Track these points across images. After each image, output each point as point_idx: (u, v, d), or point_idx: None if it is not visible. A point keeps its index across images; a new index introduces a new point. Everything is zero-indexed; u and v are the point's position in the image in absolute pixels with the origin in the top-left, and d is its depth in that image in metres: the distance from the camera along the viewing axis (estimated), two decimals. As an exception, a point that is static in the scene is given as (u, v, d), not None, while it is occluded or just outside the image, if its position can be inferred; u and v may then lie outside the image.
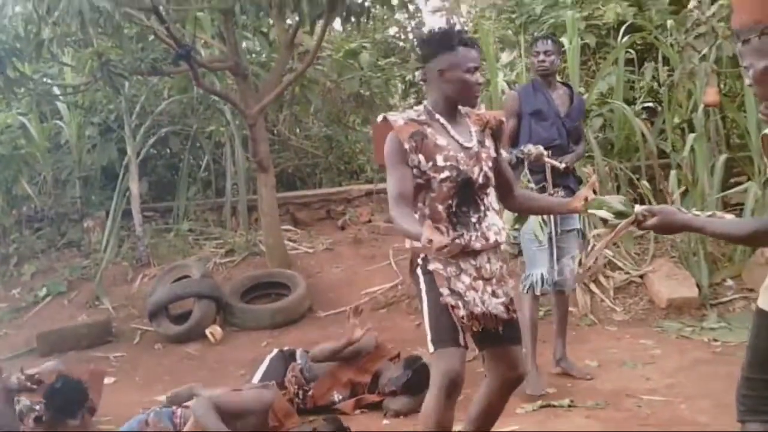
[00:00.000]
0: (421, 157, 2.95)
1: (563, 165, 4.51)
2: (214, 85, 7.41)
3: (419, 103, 9.49)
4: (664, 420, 3.98)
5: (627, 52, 7.19)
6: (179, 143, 8.45)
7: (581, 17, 7.45)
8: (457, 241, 2.89)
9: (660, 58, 7.32)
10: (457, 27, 3.16)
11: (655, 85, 7.57)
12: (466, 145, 3.02)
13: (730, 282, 6.14)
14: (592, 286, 6.19)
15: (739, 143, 7.61)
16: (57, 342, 6.32)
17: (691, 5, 6.77)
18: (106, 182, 8.19)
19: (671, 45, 6.89)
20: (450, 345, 2.91)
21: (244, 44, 8.01)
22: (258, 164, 6.86)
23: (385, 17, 9.96)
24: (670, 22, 6.95)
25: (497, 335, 3.02)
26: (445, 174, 2.95)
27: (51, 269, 7.60)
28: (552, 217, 4.49)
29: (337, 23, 7.62)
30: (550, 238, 4.56)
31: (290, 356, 4.75)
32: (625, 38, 6.99)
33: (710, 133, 6.73)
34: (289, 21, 7.26)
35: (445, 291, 2.94)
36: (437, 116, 3.03)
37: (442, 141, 2.99)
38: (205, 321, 6.34)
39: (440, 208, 2.96)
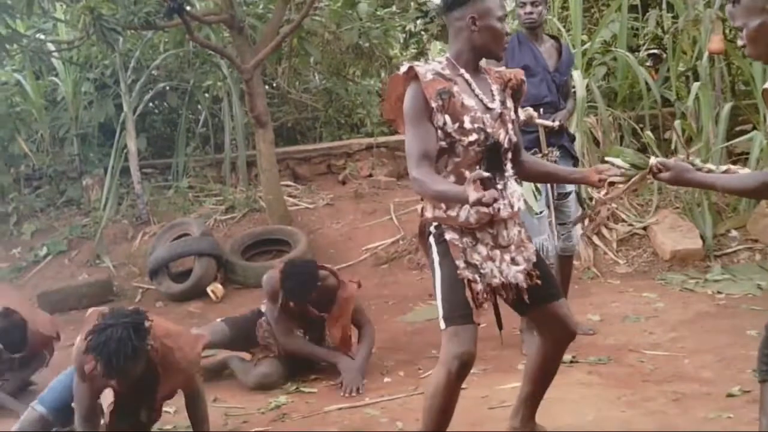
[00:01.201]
0: (447, 117, 2.74)
1: (557, 124, 4.32)
2: (209, 39, 7.27)
3: (421, 54, 9.51)
4: (667, 375, 3.94)
5: (630, -2, 7.03)
6: (176, 98, 8.32)
7: (584, -37, 7.27)
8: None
9: (664, 5, 7.16)
10: None
11: (660, 32, 7.42)
12: (490, 105, 2.82)
13: (734, 233, 6.09)
14: (595, 239, 6.15)
15: (744, 90, 7.48)
16: (58, 301, 6.31)
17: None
18: (104, 139, 8.10)
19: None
20: (463, 322, 2.71)
21: (239, -4, 7.84)
22: (256, 119, 6.76)
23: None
24: (678, -34, 6.78)
25: (536, 295, 2.87)
26: (473, 137, 2.75)
27: (51, 228, 7.56)
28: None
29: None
30: (548, 205, 4.43)
31: (258, 314, 4.62)
32: (628, -15, 6.83)
33: (715, 82, 6.60)
34: (284, -28, 7.09)
35: (461, 264, 2.76)
36: (461, 71, 2.82)
37: (469, 101, 2.78)
38: (206, 279, 6.31)
39: (467, 174, 2.68)
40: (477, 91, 2.81)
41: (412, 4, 8.86)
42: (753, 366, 3.86)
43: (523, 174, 3.07)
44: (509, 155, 2.88)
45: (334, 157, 8.02)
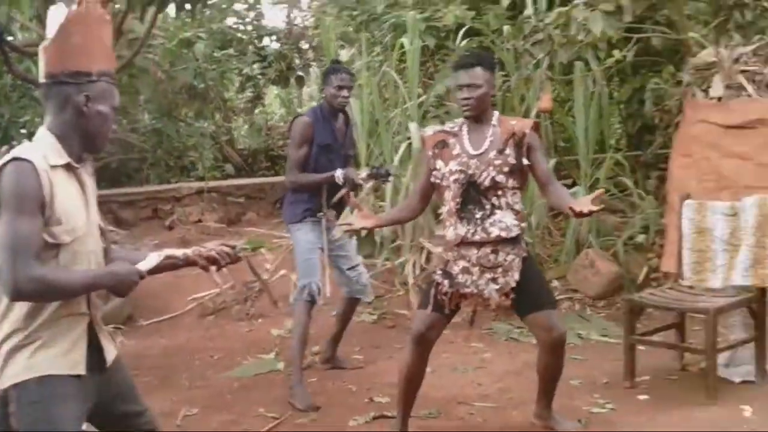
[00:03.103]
0: (440, 162, 3.63)
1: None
2: (29, 72, 6.79)
3: (258, 98, 9.33)
4: (496, 427, 3.95)
5: (464, 55, 7.22)
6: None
7: (422, 19, 7.42)
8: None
9: (495, 63, 7.42)
10: None
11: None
12: (474, 152, 3.58)
13: (555, 283, 6.27)
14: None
15: (564, 147, 7.86)
16: None
17: (527, 12, 6.90)
18: None
19: (507, 50, 6.97)
20: (423, 308, 3.65)
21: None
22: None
23: (223, 6, 9.59)
24: (506, 28, 7.04)
25: (526, 306, 3.60)
26: (455, 176, 3.56)
27: None
28: (326, 227, 4.62)
29: (171, 10, 7.22)
30: (321, 248, 4.61)
31: None
32: (464, 42, 7.01)
33: (541, 138, 6.85)
34: (117, 5, 6.78)
35: (438, 270, 3.67)
36: (463, 127, 3.68)
37: (457, 150, 3.61)
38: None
39: (452, 204, 3.59)
40: (465, 141, 3.63)
41: (250, 47, 8.73)
42: (577, 416, 3.97)
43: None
44: (498, 192, 3.55)
45: (162, 201, 7.65)
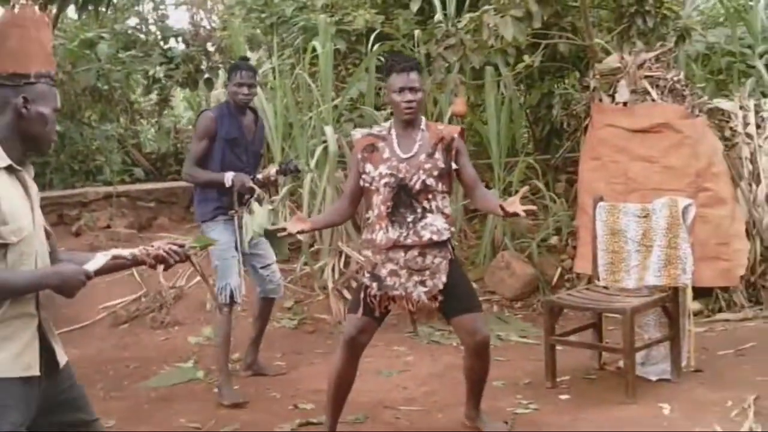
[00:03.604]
0: (369, 166, 3.64)
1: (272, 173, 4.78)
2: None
3: (164, 100, 9.11)
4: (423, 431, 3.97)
5: (377, 59, 7.25)
6: None
7: (332, 22, 7.41)
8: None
9: (407, 67, 7.46)
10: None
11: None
12: (404, 156, 3.61)
13: (473, 285, 6.35)
14: (346, 293, 6.14)
15: (476, 151, 7.98)
16: None
17: (437, 17, 6.98)
18: None
19: (419, 54, 7.03)
20: (353, 313, 3.68)
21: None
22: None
23: (126, 7, 9.31)
24: (417, 33, 7.10)
25: (452, 308, 3.64)
26: (385, 180, 3.58)
27: None
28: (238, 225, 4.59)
29: (71, 10, 6.95)
30: (236, 248, 4.60)
31: None
32: (376, 46, 7.03)
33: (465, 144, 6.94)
34: (12, 3, 6.49)
35: (366, 273, 3.68)
36: (392, 131, 3.69)
37: (387, 153, 3.63)
38: None
39: (382, 208, 3.59)
40: (395, 145, 3.64)
41: (156, 48, 8.50)
42: (502, 417, 4.04)
43: (475, 205, 4.11)
44: (429, 195, 3.59)
45: (67, 207, 7.33)
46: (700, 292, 5.32)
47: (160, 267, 2.53)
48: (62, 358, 2.39)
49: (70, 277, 2.25)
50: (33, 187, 2.37)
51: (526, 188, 3.59)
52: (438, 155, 3.62)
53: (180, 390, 4.78)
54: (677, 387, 4.34)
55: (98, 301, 6.03)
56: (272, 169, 4.77)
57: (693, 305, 4.70)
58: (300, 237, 4.60)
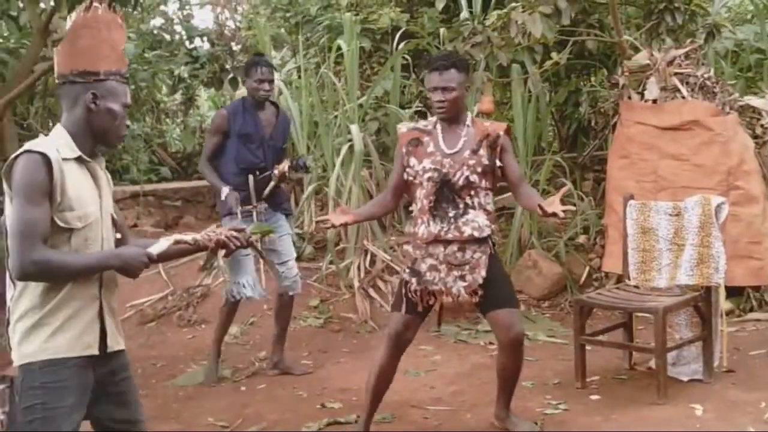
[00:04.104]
0: (413, 159, 3.66)
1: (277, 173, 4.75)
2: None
3: (190, 100, 9.15)
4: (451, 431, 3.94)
5: (402, 57, 7.23)
6: None
7: (357, 21, 7.39)
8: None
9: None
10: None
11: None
12: (448, 151, 3.62)
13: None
14: (371, 291, 6.12)
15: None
16: None
17: (463, 15, 6.94)
18: None
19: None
20: (396, 310, 3.69)
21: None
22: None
23: (152, 7, 9.36)
24: (442, 31, 7.06)
25: (488, 303, 3.62)
26: (428, 175, 3.60)
27: None
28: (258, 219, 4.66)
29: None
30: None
31: None
32: (402, 44, 7.00)
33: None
34: (42, 4, 6.53)
35: (406, 269, 3.69)
36: (437, 126, 3.71)
37: (432, 148, 3.65)
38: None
39: (425, 202, 3.62)
40: (440, 140, 3.66)
41: (181, 48, 8.53)
42: (531, 418, 4.00)
43: (519, 202, 3.99)
44: (471, 191, 3.59)
45: (95, 206, 7.40)
46: (731, 291, 5.23)
47: (221, 252, 2.64)
48: (116, 344, 2.49)
49: (132, 259, 2.38)
50: (103, 178, 2.53)
51: (566, 188, 3.60)
52: (482, 152, 3.63)
53: (207, 388, 4.78)
54: (709, 387, 4.27)
55: (125, 299, 6.04)
56: (286, 165, 4.78)
57: (725, 305, 4.62)
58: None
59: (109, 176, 2.63)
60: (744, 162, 5.60)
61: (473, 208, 3.61)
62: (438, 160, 3.62)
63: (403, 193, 3.87)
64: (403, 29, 7.29)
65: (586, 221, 6.60)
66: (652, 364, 4.41)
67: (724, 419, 3.80)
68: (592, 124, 7.23)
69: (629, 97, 6.06)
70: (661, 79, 5.92)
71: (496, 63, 6.20)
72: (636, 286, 4.59)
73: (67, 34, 2.45)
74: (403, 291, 3.67)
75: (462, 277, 3.61)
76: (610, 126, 6.57)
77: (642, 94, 6.00)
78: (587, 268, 6.27)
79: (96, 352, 2.41)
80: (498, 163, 3.64)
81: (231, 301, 4.82)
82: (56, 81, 2.47)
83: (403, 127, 3.85)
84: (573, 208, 3.52)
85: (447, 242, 3.61)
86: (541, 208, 3.32)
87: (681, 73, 5.93)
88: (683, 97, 5.80)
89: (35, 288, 2.35)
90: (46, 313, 2.34)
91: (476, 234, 3.59)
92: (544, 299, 6.17)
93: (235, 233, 2.65)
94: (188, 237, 2.60)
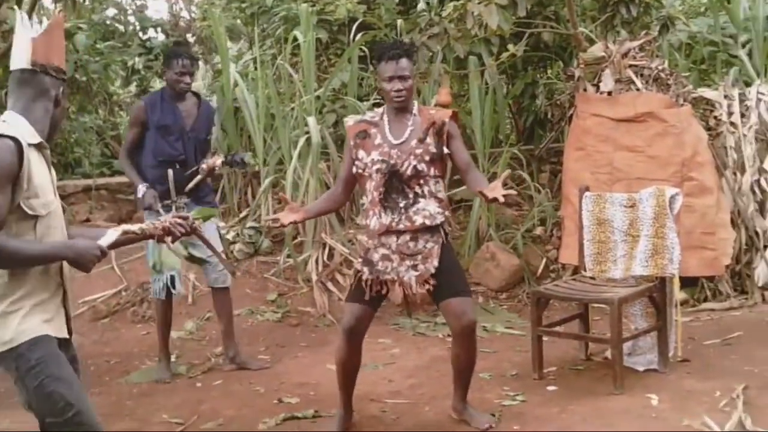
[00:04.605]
0: (362, 152, 3.65)
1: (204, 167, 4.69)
2: None
3: (144, 92, 9.03)
4: (409, 425, 3.92)
5: (359, 49, 7.18)
6: None
7: (313, 12, 7.32)
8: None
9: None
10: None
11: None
12: (395, 142, 3.62)
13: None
14: (330, 285, 6.08)
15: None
16: None
17: (420, 6, 6.92)
18: None
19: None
20: (351, 301, 3.70)
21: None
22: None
23: (103, -4, 9.16)
24: (400, 22, 7.03)
25: (441, 292, 3.61)
26: (377, 167, 3.59)
27: None
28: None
29: (47, 1, 6.84)
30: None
31: None
32: (359, 36, 6.95)
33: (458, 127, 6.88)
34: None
35: (359, 258, 3.72)
36: (384, 116, 3.71)
37: (379, 140, 3.64)
38: None
39: (375, 194, 3.61)
40: (386, 131, 3.65)
41: (135, 39, 8.37)
42: (489, 409, 4.00)
43: (468, 188, 3.90)
44: (420, 180, 3.59)
45: (46, 200, 7.23)
46: (685, 282, 5.30)
47: (168, 238, 2.72)
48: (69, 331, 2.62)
49: (85, 251, 2.45)
50: (52, 168, 2.60)
51: (507, 172, 3.59)
52: (429, 140, 3.61)
53: (162, 385, 4.70)
54: (665, 377, 4.31)
55: (78, 295, 5.90)
56: (218, 160, 4.73)
57: (679, 295, 4.67)
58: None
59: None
60: (698, 153, 5.67)
61: (423, 197, 3.62)
62: (385, 151, 3.62)
63: (354, 186, 3.88)
64: (360, 20, 7.24)
65: (543, 213, 6.64)
66: (608, 354, 4.44)
67: (679, 409, 3.84)
68: (549, 116, 7.25)
69: (585, 89, 6.10)
70: (616, 71, 5.97)
71: (453, 55, 6.19)
72: (592, 278, 4.62)
73: (47, 29, 2.53)
74: (360, 281, 3.66)
75: (414, 267, 3.62)
76: (567, 118, 6.60)
77: (597, 86, 6.04)
78: (544, 260, 6.30)
79: (66, 334, 2.54)
80: (446, 150, 3.64)
81: (158, 299, 4.79)
82: (24, 67, 2.50)
83: (350, 120, 3.85)
84: (514, 192, 3.56)
85: (399, 232, 3.62)
86: (482, 193, 3.35)
87: (636, 65, 5.98)
88: (638, 89, 5.85)
89: (2, 276, 2.41)
90: (14, 300, 2.42)
91: (428, 222, 3.60)
92: (502, 291, 6.18)
93: (179, 220, 2.72)
94: (135, 227, 2.67)
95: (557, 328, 4.71)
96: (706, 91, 6.28)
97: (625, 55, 6.01)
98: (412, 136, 3.63)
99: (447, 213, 3.75)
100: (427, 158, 3.60)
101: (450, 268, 3.66)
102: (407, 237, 3.62)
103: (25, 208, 2.40)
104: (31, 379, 2.42)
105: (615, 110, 5.85)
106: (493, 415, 3.92)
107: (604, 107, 5.91)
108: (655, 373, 4.37)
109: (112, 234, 2.57)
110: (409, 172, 3.59)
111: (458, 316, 3.61)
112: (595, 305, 4.82)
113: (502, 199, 3.28)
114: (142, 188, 4.61)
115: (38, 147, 2.49)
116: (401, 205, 3.61)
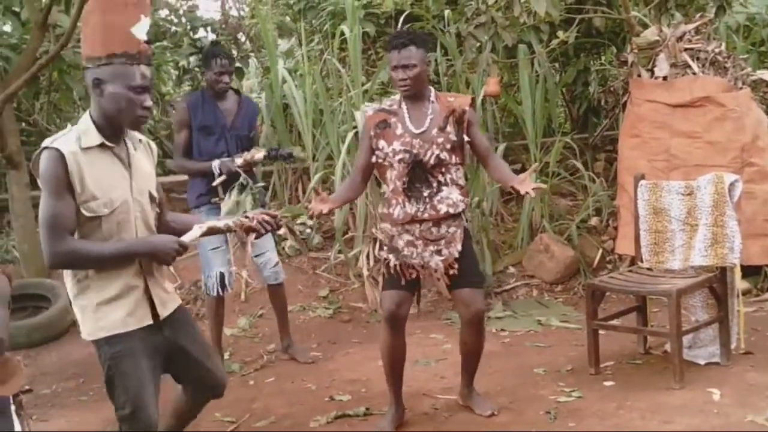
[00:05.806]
0: (383, 142, 3.65)
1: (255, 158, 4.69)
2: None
3: (195, 89, 9.11)
4: (462, 422, 3.85)
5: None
6: None
7: (360, 5, 7.28)
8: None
9: (438, 48, 7.31)
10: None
11: (433, 75, 7.57)
12: (417, 131, 3.61)
13: (512, 269, 6.23)
14: (381, 280, 6.02)
15: (510, 132, 7.82)
16: None
17: (467, -4, 6.81)
18: None
19: (450, 34, 6.87)
20: (387, 289, 3.70)
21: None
22: (7, 159, 6.05)
23: (154, -2, 9.26)
24: (447, 12, 6.94)
25: (453, 282, 3.65)
26: (400, 156, 3.59)
27: None
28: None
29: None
30: (227, 240, 4.63)
31: None
32: (405, 28, 6.87)
33: (488, 124, 6.80)
34: (42, -1, 6.47)
35: (384, 246, 3.74)
36: (402, 104, 3.69)
37: (400, 129, 3.63)
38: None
39: (398, 183, 3.62)
40: (407, 120, 3.64)
41: (185, 39, 8.44)
42: (544, 406, 3.91)
43: (490, 175, 4.10)
44: (442, 169, 3.60)
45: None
46: (747, 271, 5.11)
47: (252, 236, 2.78)
48: (166, 311, 2.73)
49: (162, 246, 2.54)
50: (136, 156, 2.64)
51: (535, 165, 3.68)
52: (449, 128, 3.64)
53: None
54: (727, 371, 4.16)
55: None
56: (257, 154, 4.70)
57: (741, 284, 4.50)
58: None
59: (153, 149, 2.76)
60: (758, 138, 5.46)
61: (446, 185, 3.64)
62: (408, 141, 3.62)
63: (371, 174, 3.90)
64: (407, 12, 7.17)
65: (598, 203, 6.49)
66: (668, 347, 4.30)
67: (743, 404, 3.70)
68: (603, 103, 7.09)
69: (639, 75, 5.92)
70: (671, 56, 5.78)
71: (502, 44, 6.08)
72: (649, 269, 4.48)
73: (82, 21, 2.63)
74: (386, 269, 3.70)
75: (438, 252, 3.66)
76: (621, 105, 6.44)
77: (652, 72, 5.86)
78: (600, 251, 6.15)
79: (150, 321, 2.65)
80: (466, 138, 3.66)
81: (212, 296, 4.82)
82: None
83: (369, 110, 3.83)
84: (543, 185, 3.64)
85: (422, 220, 3.64)
86: (513, 189, 3.43)
87: (691, 49, 5.79)
88: (694, 73, 5.67)
89: (76, 273, 2.54)
90: (93, 295, 2.54)
91: (451, 210, 3.64)
92: (557, 283, 6.06)
93: (267, 218, 2.79)
94: (220, 224, 2.74)
95: (614, 322, 4.58)
96: (766, 74, 6.05)
97: (680, 38, 5.82)
98: (433, 124, 3.64)
99: (468, 199, 3.78)
100: (448, 146, 3.62)
101: (468, 256, 3.71)
102: (430, 223, 3.64)
103: (84, 211, 2.48)
104: (106, 371, 2.62)
105: (671, 95, 5.67)
106: (549, 413, 3.83)
107: (660, 93, 5.74)
108: (717, 367, 4.22)
109: (196, 231, 2.66)
110: (432, 161, 3.61)
111: (468, 305, 3.67)
112: (653, 297, 4.67)
113: (532, 194, 3.37)
114: (216, 163, 4.61)
115: (102, 147, 2.55)
116: (425, 194, 3.63)
